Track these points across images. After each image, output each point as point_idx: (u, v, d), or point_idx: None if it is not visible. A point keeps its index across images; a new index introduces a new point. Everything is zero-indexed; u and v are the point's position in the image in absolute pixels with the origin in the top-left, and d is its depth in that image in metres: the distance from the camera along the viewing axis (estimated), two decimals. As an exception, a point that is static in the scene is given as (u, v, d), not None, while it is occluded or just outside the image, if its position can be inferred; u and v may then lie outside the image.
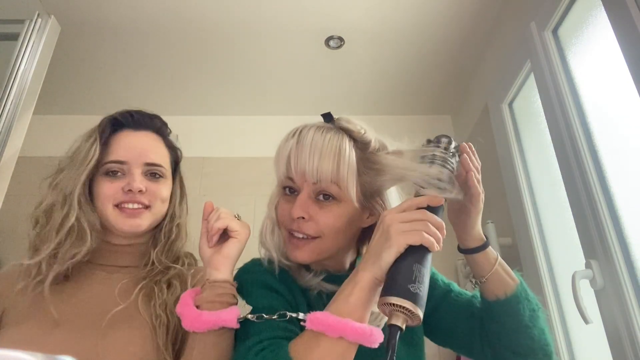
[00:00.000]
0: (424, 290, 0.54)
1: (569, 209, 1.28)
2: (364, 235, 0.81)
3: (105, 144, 0.87)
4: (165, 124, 0.98)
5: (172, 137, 0.98)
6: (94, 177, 0.86)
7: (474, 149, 0.73)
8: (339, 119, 0.75)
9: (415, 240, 0.56)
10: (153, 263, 0.86)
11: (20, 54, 1.25)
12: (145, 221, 0.86)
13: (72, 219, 0.80)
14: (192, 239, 0.93)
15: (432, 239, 0.56)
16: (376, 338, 0.57)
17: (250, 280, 0.75)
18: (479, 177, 0.71)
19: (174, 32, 1.88)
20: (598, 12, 1.19)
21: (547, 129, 1.41)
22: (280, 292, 0.73)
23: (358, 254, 0.84)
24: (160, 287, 0.82)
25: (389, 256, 0.56)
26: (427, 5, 1.74)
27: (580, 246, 1.23)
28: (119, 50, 1.98)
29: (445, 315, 0.83)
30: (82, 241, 0.81)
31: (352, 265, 0.83)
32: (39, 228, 0.84)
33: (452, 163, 0.68)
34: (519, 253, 1.60)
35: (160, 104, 2.34)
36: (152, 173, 0.88)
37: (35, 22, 1.31)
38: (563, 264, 1.42)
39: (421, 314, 0.52)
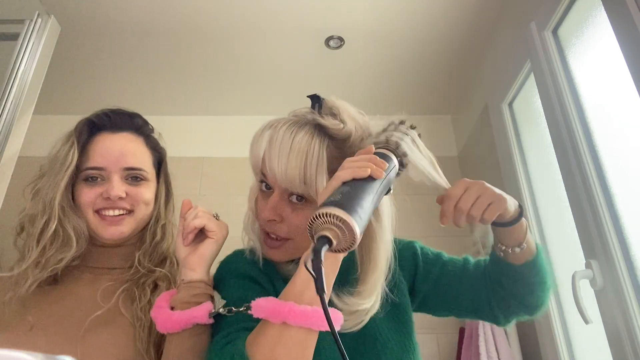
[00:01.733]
0: (364, 214, 0.49)
1: (569, 209, 1.28)
2: None
3: (83, 149, 0.84)
4: (146, 123, 0.94)
5: (154, 136, 0.94)
6: (75, 182, 0.84)
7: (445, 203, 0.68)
8: (324, 104, 0.71)
9: (357, 174, 0.54)
10: (137, 266, 0.84)
11: (20, 54, 1.25)
12: (127, 227, 0.83)
13: (53, 226, 0.78)
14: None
15: (373, 166, 0.55)
16: (323, 320, 0.51)
17: (229, 270, 0.74)
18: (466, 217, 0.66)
19: (174, 32, 1.88)
20: (598, 12, 1.19)
21: (547, 129, 1.41)
22: (260, 282, 0.71)
23: None
24: (142, 290, 0.80)
25: (326, 190, 0.55)
26: (427, 5, 1.74)
27: (580, 246, 1.23)
28: (119, 50, 1.98)
29: (449, 285, 0.81)
30: (68, 246, 0.79)
31: None
32: (25, 236, 0.83)
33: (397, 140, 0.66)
34: (519, 253, 1.60)
35: (160, 104, 2.34)
36: (133, 177, 0.85)
37: (35, 22, 1.31)
38: (563, 264, 1.42)
39: (357, 230, 0.47)
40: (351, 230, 0.46)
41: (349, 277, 0.68)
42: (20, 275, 0.78)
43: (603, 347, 1.11)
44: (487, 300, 0.80)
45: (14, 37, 1.27)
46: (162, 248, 0.89)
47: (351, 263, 0.69)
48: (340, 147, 0.68)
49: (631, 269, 1.06)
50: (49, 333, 0.74)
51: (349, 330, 0.66)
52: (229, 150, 2.38)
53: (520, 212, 0.72)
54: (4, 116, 1.16)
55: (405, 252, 0.83)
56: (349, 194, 0.50)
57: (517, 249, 0.73)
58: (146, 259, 0.86)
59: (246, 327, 0.60)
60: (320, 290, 0.44)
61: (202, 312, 0.65)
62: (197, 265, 0.71)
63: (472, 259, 0.85)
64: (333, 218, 0.46)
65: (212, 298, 0.69)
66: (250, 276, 0.72)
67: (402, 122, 0.70)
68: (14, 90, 1.20)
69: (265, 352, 0.53)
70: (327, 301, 0.45)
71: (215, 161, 2.34)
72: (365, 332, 0.69)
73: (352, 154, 0.66)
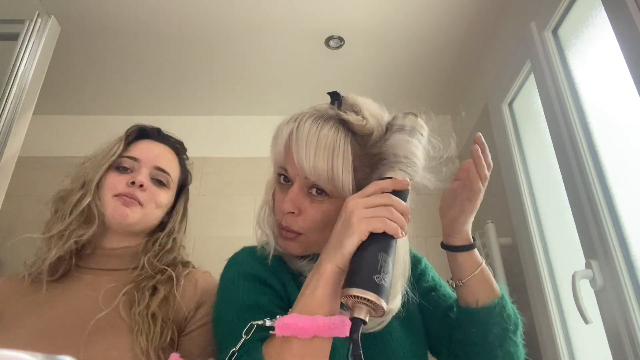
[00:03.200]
0: (388, 280, 0.51)
1: (569, 209, 1.28)
2: None
3: (127, 146, 0.93)
4: (185, 149, 1.03)
5: (188, 162, 1.03)
6: (107, 169, 0.90)
7: (485, 143, 0.69)
8: (344, 101, 0.71)
9: (377, 228, 0.53)
10: (143, 267, 0.86)
11: (20, 54, 1.25)
12: (134, 214, 0.87)
13: (85, 203, 0.85)
14: (192, 242, 0.93)
15: (395, 225, 0.53)
16: (349, 327, 0.52)
17: (239, 272, 0.72)
18: (487, 174, 0.68)
19: (175, 32, 1.88)
20: (598, 12, 1.19)
21: (547, 129, 1.41)
22: (270, 283, 0.71)
23: None
24: (142, 294, 0.81)
25: (351, 244, 0.53)
26: (427, 5, 1.74)
27: (580, 246, 1.23)
28: (119, 50, 1.98)
29: (423, 314, 0.79)
30: (90, 224, 0.85)
31: None
32: (55, 213, 0.88)
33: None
34: (519, 253, 1.60)
35: (161, 104, 2.34)
36: (158, 180, 0.92)
37: (35, 22, 1.31)
38: (563, 264, 1.42)
39: (385, 306, 0.50)
40: (382, 310, 0.50)
41: None
42: (45, 243, 0.84)
43: (603, 347, 1.11)
44: (448, 345, 0.75)
45: (14, 37, 1.27)
46: (169, 258, 0.91)
47: None
48: (362, 143, 0.68)
49: (631, 269, 1.06)
50: (53, 335, 0.75)
51: (370, 331, 0.66)
52: (229, 150, 2.38)
53: (472, 245, 0.72)
54: (4, 116, 1.16)
55: (413, 260, 0.82)
56: (383, 266, 0.51)
57: (459, 282, 0.71)
58: (154, 260, 0.88)
59: (260, 337, 0.58)
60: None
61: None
62: None
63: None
64: (371, 303, 0.49)
65: None
66: (260, 278, 0.71)
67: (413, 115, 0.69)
68: (14, 90, 1.20)
69: None
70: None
71: (215, 161, 2.34)
72: (377, 334, 0.69)
73: (374, 153, 0.66)
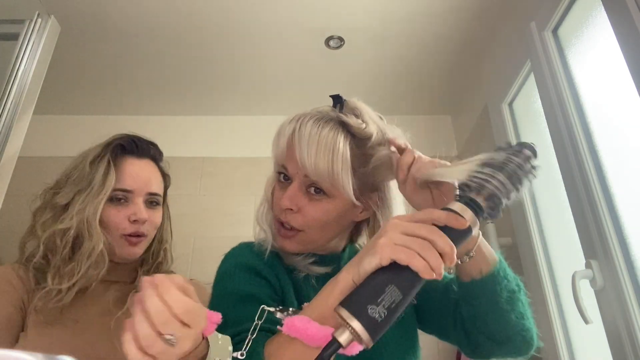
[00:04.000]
0: (386, 317, 0.45)
1: (569, 209, 1.28)
2: (360, 228, 0.81)
3: (113, 166, 0.91)
4: (161, 153, 1.02)
5: (164, 164, 1.03)
6: None
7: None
8: (346, 105, 0.73)
9: (401, 259, 0.47)
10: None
11: (20, 54, 1.24)
12: (141, 249, 0.92)
13: (99, 249, 0.84)
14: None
15: (424, 263, 0.46)
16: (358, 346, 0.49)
17: (235, 263, 0.74)
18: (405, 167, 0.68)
19: (174, 32, 1.88)
20: (598, 12, 1.19)
21: (547, 129, 1.41)
22: (266, 276, 0.72)
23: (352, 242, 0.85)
24: None
25: (369, 265, 0.48)
26: (427, 5, 1.74)
27: (580, 246, 1.23)
28: (119, 50, 1.97)
29: (428, 300, 0.80)
30: (102, 263, 0.86)
31: (344, 249, 0.83)
32: (59, 250, 0.85)
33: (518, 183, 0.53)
34: (519, 253, 1.60)
35: (161, 104, 2.34)
36: (152, 202, 0.94)
37: (35, 22, 1.31)
38: (563, 264, 1.42)
39: (368, 340, 0.44)
40: (365, 343, 0.45)
41: None
42: (54, 289, 0.83)
43: (603, 347, 1.11)
44: (454, 323, 0.75)
45: (14, 37, 1.27)
46: (162, 269, 0.97)
47: None
48: (360, 146, 0.70)
49: (631, 269, 1.06)
50: (93, 332, 0.82)
51: None
52: (229, 150, 2.38)
53: None
54: (4, 116, 1.16)
55: None
56: (390, 305, 0.45)
57: (466, 257, 0.66)
58: (149, 274, 0.92)
59: (264, 328, 0.58)
60: None
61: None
62: None
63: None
64: (355, 332, 0.44)
65: None
66: (256, 270, 0.72)
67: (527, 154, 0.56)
68: (14, 90, 1.20)
69: None
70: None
71: (215, 161, 2.34)
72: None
73: (372, 155, 0.68)
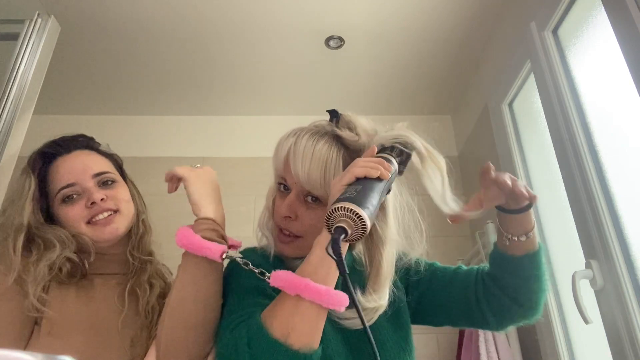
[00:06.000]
0: (368, 200, 0.56)
1: (569, 209, 1.28)
2: None
3: (44, 178, 0.89)
4: (91, 139, 0.99)
5: (104, 146, 1.00)
6: (53, 209, 0.88)
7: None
8: (341, 119, 0.78)
9: (359, 173, 0.61)
10: (131, 264, 0.91)
11: (20, 54, 1.24)
12: (119, 224, 0.89)
13: (25, 238, 0.81)
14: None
15: (369, 169, 0.61)
16: (334, 299, 0.58)
17: (241, 261, 0.78)
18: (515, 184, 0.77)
19: (174, 33, 1.88)
20: (598, 12, 1.19)
21: (547, 129, 1.41)
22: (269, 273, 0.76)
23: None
24: (143, 288, 0.89)
25: (339, 184, 0.61)
26: (427, 5, 1.74)
27: (580, 246, 1.23)
28: (119, 50, 1.98)
29: (439, 292, 0.85)
30: (52, 248, 0.82)
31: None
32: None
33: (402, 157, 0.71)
34: (519, 253, 1.60)
35: (161, 104, 2.34)
36: (104, 182, 0.91)
37: (35, 22, 1.31)
38: (563, 264, 1.42)
39: (365, 215, 0.54)
40: (363, 223, 0.54)
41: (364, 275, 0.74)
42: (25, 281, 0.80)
43: (603, 347, 1.11)
44: (477, 302, 0.82)
45: (14, 37, 1.27)
46: (146, 241, 0.96)
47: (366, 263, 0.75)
48: (353, 157, 0.74)
49: (631, 269, 1.06)
50: (88, 334, 0.81)
51: (359, 327, 0.68)
52: (229, 150, 2.38)
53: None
54: (4, 116, 1.16)
55: (401, 256, 0.85)
56: (362, 192, 0.58)
57: (524, 237, 0.78)
58: (135, 251, 0.93)
59: (254, 311, 0.64)
60: (342, 271, 0.53)
61: (216, 249, 0.70)
62: (195, 208, 0.78)
63: (464, 267, 0.89)
64: (349, 212, 0.54)
65: (222, 237, 0.75)
66: (260, 267, 0.75)
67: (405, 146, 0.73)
68: (14, 90, 1.20)
69: (282, 320, 0.58)
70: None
71: (215, 161, 2.34)
72: None
73: None
